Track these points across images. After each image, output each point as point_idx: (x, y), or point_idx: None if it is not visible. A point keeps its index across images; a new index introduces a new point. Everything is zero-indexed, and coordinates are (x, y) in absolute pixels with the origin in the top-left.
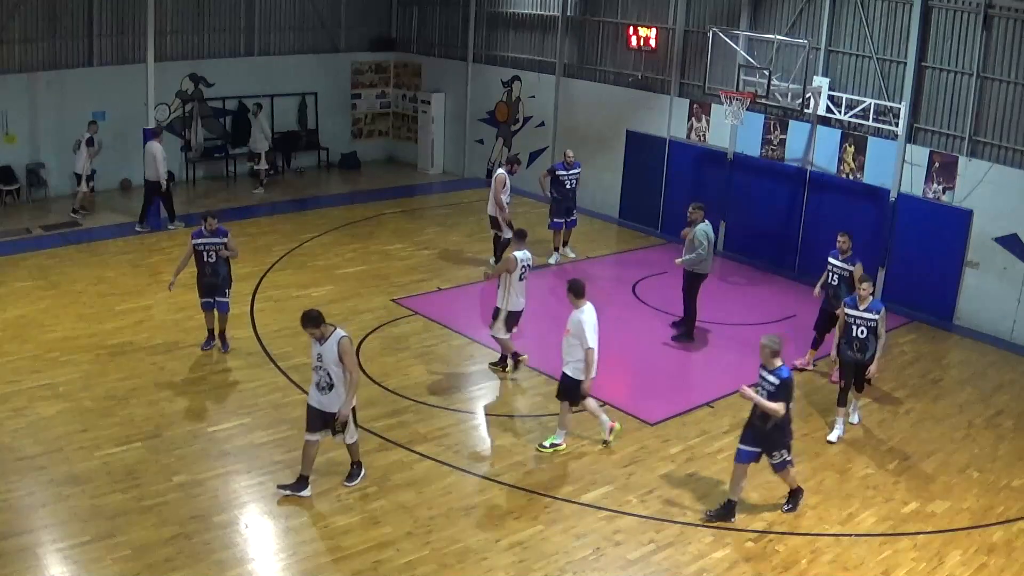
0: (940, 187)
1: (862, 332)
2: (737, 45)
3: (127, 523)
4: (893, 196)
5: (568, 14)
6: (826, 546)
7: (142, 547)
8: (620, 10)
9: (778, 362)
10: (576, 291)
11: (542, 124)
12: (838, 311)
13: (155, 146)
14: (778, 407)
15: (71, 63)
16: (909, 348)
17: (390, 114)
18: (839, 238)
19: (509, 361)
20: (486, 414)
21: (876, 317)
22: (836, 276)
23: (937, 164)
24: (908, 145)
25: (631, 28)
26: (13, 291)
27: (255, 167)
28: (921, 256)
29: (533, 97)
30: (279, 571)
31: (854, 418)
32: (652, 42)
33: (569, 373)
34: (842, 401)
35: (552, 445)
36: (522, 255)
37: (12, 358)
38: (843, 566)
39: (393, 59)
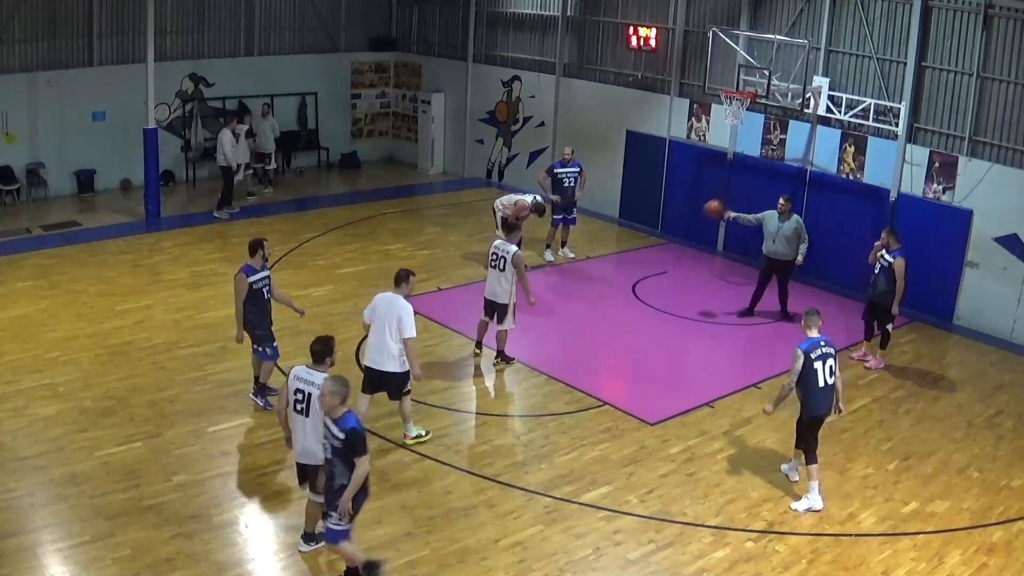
0: (940, 187)
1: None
2: (737, 45)
3: (127, 523)
4: (893, 196)
5: (568, 14)
6: (826, 546)
7: (142, 547)
8: (620, 10)
9: (343, 410)
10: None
11: (542, 124)
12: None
13: (226, 134)
14: (359, 472)
15: (71, 63)
16: (909, 348)
17: (390, 114)
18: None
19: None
20: (486, 414)
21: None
22: (879, 267)
23: (937, 164)
24: (908, 145)
25: (631, 28)
26: (13, 291)
27: (265, 167)
28: (921, 256)
29: (533, 97)
30: (279, 571)
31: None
32: (652, 42)
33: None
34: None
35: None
36: (499, 243)
37: (12, 358)
38: (843, 566)
39: (393, 59)
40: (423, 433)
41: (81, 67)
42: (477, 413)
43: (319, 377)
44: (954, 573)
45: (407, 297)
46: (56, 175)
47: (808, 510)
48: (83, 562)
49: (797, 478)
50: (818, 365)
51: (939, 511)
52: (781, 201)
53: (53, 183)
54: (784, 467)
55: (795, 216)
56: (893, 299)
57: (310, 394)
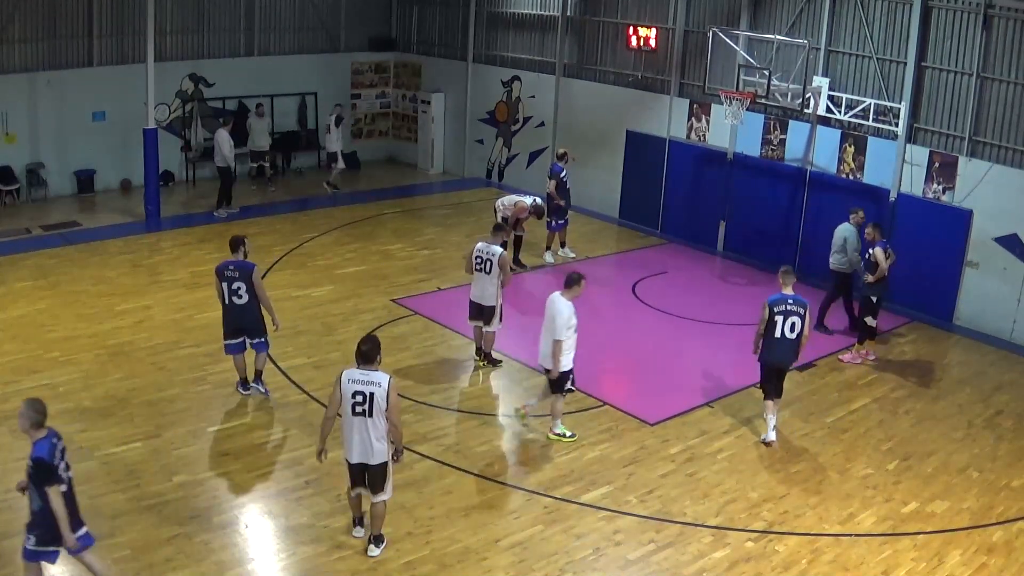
0: (940, 187)
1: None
2: (737, 45)
3: (127, 523)
4: (893, 196)
5: (568, 14)
6: (826, 546)
7: (142, 547)
8: (620, 10)
9: (37, 435)
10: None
11: (542, 124)
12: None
13: (222, 134)
14: (53, 505)
15: (71, 63)
16: (909, 348)
17: (390, 114)
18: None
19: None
20: (486, 414)
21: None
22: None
23: (937, 164)
24: (908, 145)
25: (631, 28)
26: (13, 291)
27: (261, 165)
28: (921, 256)
29: (533, 97)
30: (279, 571)
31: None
32: (652, 42)
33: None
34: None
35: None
36: (482, 245)
37: (12, 358)
38: (843, 566)
39: (393, 59)
40: (567, 433)
41: (81, 67)
42: (477, 413)
43: (378, 376)
44: (954, 573)
45: (570, 300)
46: (56, 175)
47: (763, 438)
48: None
49: (774, 437)
50: (779, 319)
51: (939, 511)
52: (856, 213)
53: (53, 183)
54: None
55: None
56: (874, 291)
57: (372, 394)
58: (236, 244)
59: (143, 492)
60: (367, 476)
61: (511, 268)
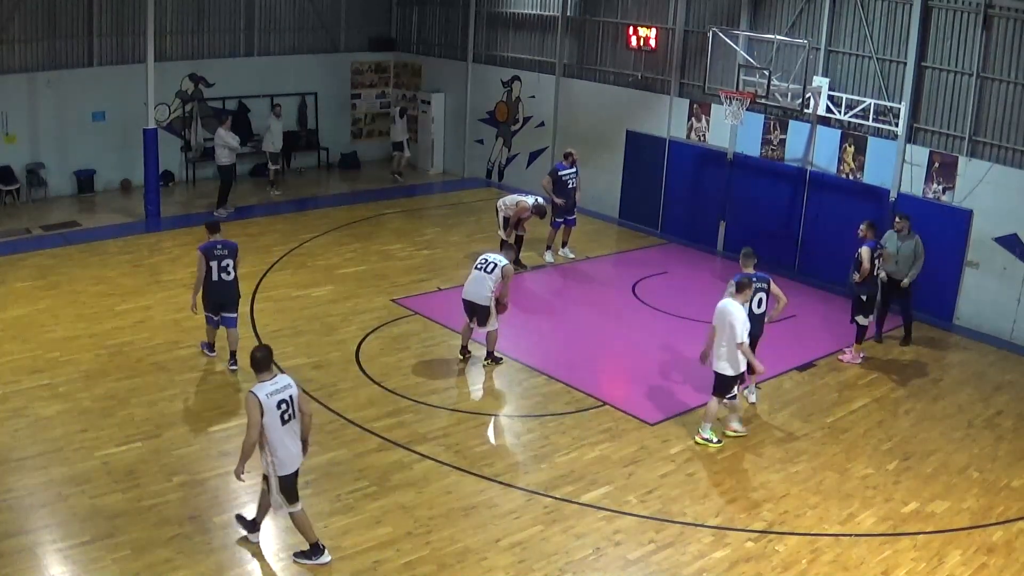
0: (940, 187)
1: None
2: (737, 45)
3: (127, 523)
4: (893, 196)
5: (568, 14)
6: (826, 546)
7: (142, 547)
8: (620, 10)
9: None
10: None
11: (542, 124)
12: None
13: (222, 133)
14: None
15: (71, 63)
16: (909, 348)
17: (390, 114)
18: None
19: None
20: (486, 414)
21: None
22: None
23: (937, 164)
24: (908, 145)
25: (631, 28)
26: (13, 291)
27: (270, 166)
28: None
29: (533, 97)
30: (279, 571)
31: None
32: (652, 42)
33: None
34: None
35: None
36: (491, 254)
37: (12, 358)
38: (843, 566)
39: (393, 59)
40: (714, 439)
41: (81, 67)
42: (477, 413)
43: (284, 378)
44: (954, 573)
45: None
46: (56, 175)
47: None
48: (83, 562)
49: (755, 400)
50: None
51: (939, 511)
52: (897, 220)
53: (53, 183)
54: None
55: (916, 236)
56: (862, 290)
57: (291, 396)
58: (215, 227)
59: (143, 492)
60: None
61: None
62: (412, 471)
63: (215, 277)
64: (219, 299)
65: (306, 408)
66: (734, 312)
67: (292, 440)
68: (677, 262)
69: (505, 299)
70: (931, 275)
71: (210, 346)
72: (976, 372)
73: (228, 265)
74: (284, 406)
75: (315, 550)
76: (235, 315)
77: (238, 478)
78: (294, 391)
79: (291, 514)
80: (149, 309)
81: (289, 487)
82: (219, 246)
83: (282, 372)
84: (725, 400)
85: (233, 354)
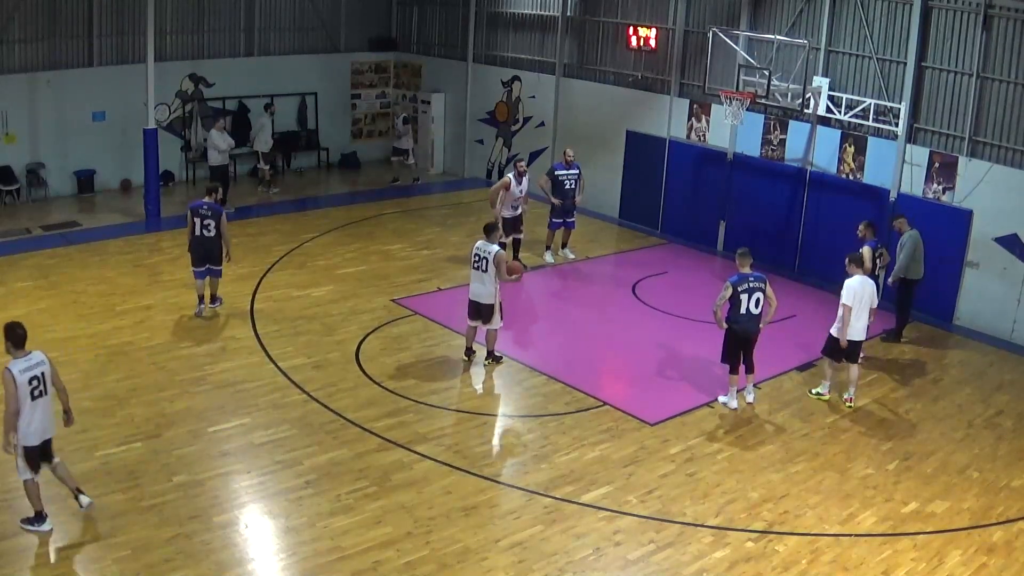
0: (940, 187)
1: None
2: (737, 45)
3: (127, 523)
4: (893, 196)
5: (568, 14)
6: (826, 546)
7: (142, 547)
8: (620, 10)
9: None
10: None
11: (542, 124)
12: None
13: (214, 133)
14: None
15: (71, 63)
16: (909, 348)
17: (390, 114)
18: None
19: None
20: (486, 414)
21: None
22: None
23: (937, 164)
24: (908, 145)
25: (631, 28)
26: (13, 291)
27: (259, 166)
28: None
29: (533, 97)
30: (279, 571)
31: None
32: (652, 42)
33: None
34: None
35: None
36: (481, 244)
37: None
38: (843, 566)
39: (393, 59)
40: (823, 392)
41: (81, 67)
42: (477, 413)
43: (38, 355)
44: (954, 573)
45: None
46: (56, 175)
47: (724, 404)
48: (83, 562)
49: (736, 406)
50: (744, 296)
51: (939, 511)
52: (894, 222)
53: (53, 183)
54: (721, 398)
55: (912, 232)
56: None
57: (43, 372)
58: (209, 189)
59: (143, 492)
60: (51, 446)
61: (513, 276)
62: (412, 471)
63: (198, 232)
64: (203, 251)
65: (59, 383)
66: (867, 281)
67: (41, 414)
68: (677, 262)
69: (512, 276)
70: (931, 275)
71: (200, 298)
72: (976, 372)
73: (210, 224)
74: (35, 382)
75: (39, 518)
76: (220, 268)
77: (6, 451)
78: (47, 368)
79: (25, 480)
80: (149, 309)
81: (32, 457)
82: (205, 207)
83: (34, 352)
84: (837, 364)
85: (213, 295)
